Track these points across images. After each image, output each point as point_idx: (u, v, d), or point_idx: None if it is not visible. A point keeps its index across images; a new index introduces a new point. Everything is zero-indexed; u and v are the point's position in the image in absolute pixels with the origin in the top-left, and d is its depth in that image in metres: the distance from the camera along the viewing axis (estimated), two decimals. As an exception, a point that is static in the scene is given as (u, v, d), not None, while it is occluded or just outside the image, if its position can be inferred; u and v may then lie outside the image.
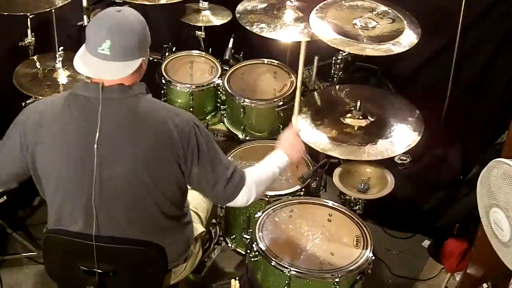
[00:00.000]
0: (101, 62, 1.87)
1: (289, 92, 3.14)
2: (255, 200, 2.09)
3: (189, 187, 2.09)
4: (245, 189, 2.04)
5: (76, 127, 1.91)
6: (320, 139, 2.66)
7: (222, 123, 3.30)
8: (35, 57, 3.12)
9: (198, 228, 2.36)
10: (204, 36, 3.48)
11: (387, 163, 2.72)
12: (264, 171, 2.15)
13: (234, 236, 2.83)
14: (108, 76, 1.89)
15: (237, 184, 2.03)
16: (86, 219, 1.97)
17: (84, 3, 3.31)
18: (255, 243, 2.36)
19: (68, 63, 3.00)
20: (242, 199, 2.05)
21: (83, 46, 1.94)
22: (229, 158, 2.85)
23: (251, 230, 2.52)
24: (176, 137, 1.92)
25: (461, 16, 3.27)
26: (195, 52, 3.44)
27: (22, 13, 2.93)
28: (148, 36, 1.97)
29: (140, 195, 1.95)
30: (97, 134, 1.88)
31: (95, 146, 1.88)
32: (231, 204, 2.08)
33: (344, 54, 2.96)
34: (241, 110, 3.10)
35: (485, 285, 2.32)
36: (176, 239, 2.14)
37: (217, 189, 2.02)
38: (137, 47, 1.91)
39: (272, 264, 2.27)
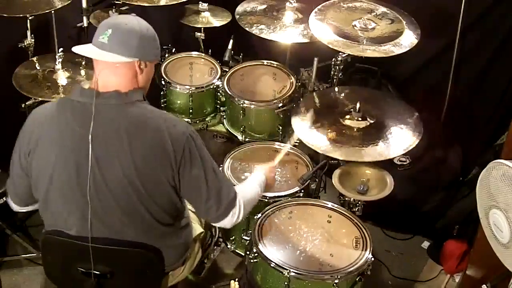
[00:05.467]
0: (97, 50, 1.92)
1: (288, 94, 3.14)
2: (240, 220, 2.10)
3: None
4: (235, 210, 2.05)
5: (71, 133, 1.92)
6: (319, 140, 2.66)
7: (221, 125, 3.29)
8: (34, 59, 3.12)
9: (197, 228, 2.36)
10: (203, 38, 3.48)
11: (387, 165, 2.71)
12: (251, 191, 2.20)
13: (233, 237, 2.82)
14: (97, 56, 1.92)
15: (228, 204, 2.03)
16: (82, 223, 1.97)
17: (84, 4, 3.31)
18: (255, 244, 2.36)
19: (68, 64, 3.00)
20: (231, 220, 2.05)
21: None
22: (229, 159, 2.85)
23: (250, 231, 2.52)
24: (170, 147, 1.91)
25: (461, 17, 3.27)
26: (194, 53, 3.44)
27: (21, 15, 2.93)
28: (152, 46, 1.99)
29: (133, 201, 1.94)
30: (90, 140, 1.88)
31: (90, 151, 1.88)
32: (219, 224, 2.08)
33: (343, 55, 2.96)
34: (241, 111, 3.09)
35: (484, 286, 2.32)
36: (174, 244, 2.14)
37: (209, 205, 2.01)
38: (135, 46, 1.92)
39: (272, 265, 2.27)
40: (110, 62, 1.91)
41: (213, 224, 2.13)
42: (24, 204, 2.17)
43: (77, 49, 1.96)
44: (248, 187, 2.24)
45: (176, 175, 1.95)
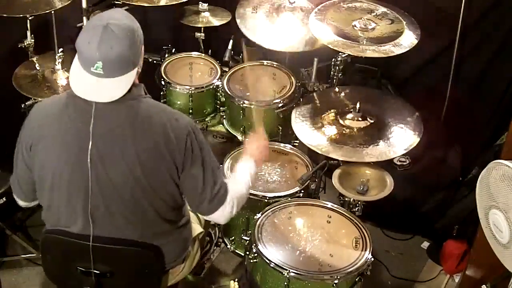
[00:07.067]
0: (97, 80, 1.85)
1: (288, 94, 3.14)
2: (233, 215, 2.10)
3: None
4: (225, 205, 2.04)
5: (73, 129, 1.91)
6: (319, 140, 2.66)
7: (221, 125, 3.29)
8: (34, 59, 3.12)
9: (197, 228, 2.37)
10: (203, 38, 3.48)
11: (387, 165, 2.72)
12: (242, 185, 2.16)
13: (233, 237, 2.82)
14: (105, 98, 1.86)
15: (219, 200, 2.03)
16: (84, 220, 1.97)
17: (84, 5, 3.30)
18: (254, 244, 2.36)
19: (67, 64, 2.99)
20: (221, 213, 2.05)
21: (77, 59, 1.90)
22: (229, 159, 2.85)
23: (250, 231, 2.52)
24: (173, 141, 1.92)
25: (461, 17, 3.26)
26: (194, 53, 3.43)
27: (21, 15, 2.93)
28: (139, 42, 1.92)
29: (137, 197, 1.95)
30: (90, 136, 1.88)
31: (89, 148, 1.88)
32: (209, 217, 2.09)
33: (343, 55, 2.96)
34: (241, 111, 3.09)
35: (484, 286, 2.32)
36: (174, 240, 2.14)
37: (202, 199, 2.02)
38: (129, 60, 1.88)
39: (271, 265, 2.28)
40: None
41: (205, 218, 2.14)
42: (30, 200, 2.16)
43: (78, 91, 1.88)
44: (240, 181, 2.19)
45: (180, 168, 1.96)
